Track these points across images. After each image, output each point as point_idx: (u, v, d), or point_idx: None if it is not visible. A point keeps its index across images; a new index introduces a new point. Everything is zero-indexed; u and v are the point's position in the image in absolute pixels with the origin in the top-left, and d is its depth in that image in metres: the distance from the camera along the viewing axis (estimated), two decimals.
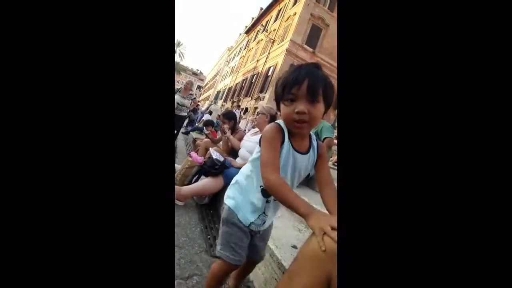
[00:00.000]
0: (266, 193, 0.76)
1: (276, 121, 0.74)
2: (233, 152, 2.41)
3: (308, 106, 0.64)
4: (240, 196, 0.81)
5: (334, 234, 0.50)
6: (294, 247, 1.19)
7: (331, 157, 6.25)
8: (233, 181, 0.86)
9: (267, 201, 0.79)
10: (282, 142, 0.71)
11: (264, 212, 0.80)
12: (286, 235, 1.30)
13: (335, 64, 15.48)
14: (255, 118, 2.41)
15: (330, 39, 15.54)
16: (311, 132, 0.78)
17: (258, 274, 1.16)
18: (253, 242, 0.87)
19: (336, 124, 13.36)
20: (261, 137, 0.73)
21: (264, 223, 0.82)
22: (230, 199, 0.83)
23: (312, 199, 1.78)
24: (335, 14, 15.52)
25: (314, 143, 0.79)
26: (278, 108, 0.72)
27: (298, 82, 0.63)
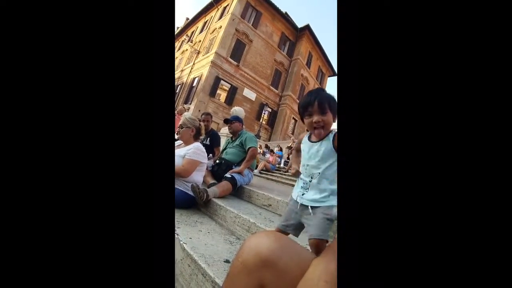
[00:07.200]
0: None
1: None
2: None
3: (321, 117, 0.90)
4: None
5: None
6: (227, 261, 1.12)
7: (256, 166, 6.46)
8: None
9: None
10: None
11: None
12: (218, 250, 1.23)
13: (257, 78, 16.42)
14: (179, 131, 2.27)
15: (253, 54, 16.38)
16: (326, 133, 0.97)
17: None
18: None
19: (260, 134, 13.99)
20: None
21: None
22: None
23: (235, 207, 1.77)
24: (258, 31, 16.49)
25: (330, 135, 0.95)
26: (303, 122, 0.98)
27: (311, 103, 0.90)
